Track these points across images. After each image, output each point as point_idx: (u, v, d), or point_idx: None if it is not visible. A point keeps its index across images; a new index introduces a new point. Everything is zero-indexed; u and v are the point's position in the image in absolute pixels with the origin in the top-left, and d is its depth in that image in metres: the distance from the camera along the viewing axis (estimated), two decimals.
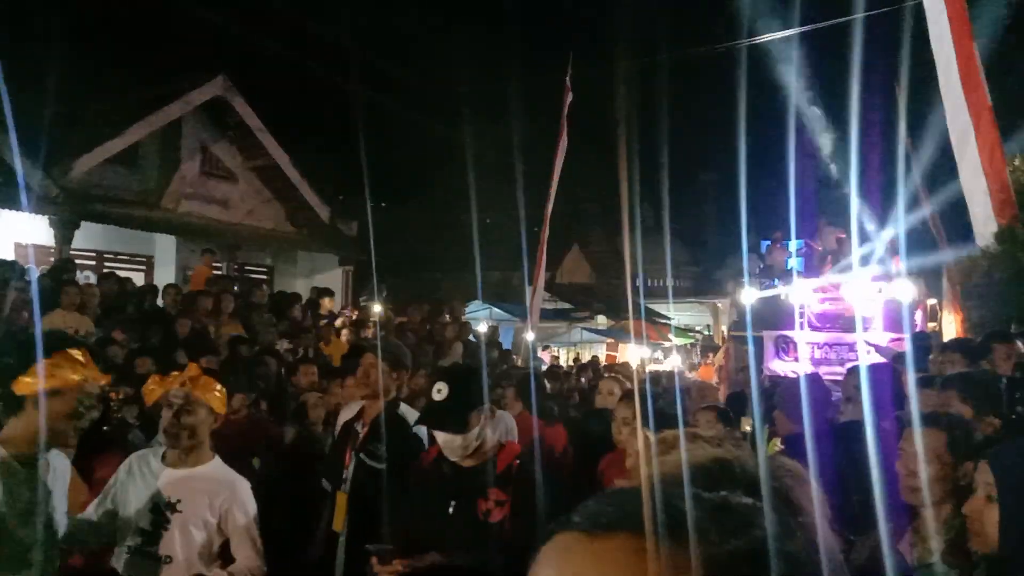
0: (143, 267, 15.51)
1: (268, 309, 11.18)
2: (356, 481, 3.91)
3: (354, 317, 11.94)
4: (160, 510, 3.13)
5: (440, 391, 3.02)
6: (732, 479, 0.82)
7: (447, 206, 23.30)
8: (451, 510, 2.97)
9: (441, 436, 3.02)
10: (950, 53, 8.25)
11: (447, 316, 12.43)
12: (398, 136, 22.12)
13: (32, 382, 2.49)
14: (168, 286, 10.90)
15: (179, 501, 3.14)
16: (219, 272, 14.37)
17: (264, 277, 17.29)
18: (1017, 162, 8.68)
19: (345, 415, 4.47)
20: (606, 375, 5.60)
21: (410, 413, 4.14)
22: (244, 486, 3.32)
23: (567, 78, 15.32)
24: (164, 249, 15.50)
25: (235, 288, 11.84)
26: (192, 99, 15.28)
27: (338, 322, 12.12)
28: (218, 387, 3.31)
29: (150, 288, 11.29)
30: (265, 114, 16.55)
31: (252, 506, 3.30)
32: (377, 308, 12.27)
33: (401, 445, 3.80)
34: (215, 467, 3.31)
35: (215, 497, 3.20)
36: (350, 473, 3.96)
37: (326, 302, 12.18)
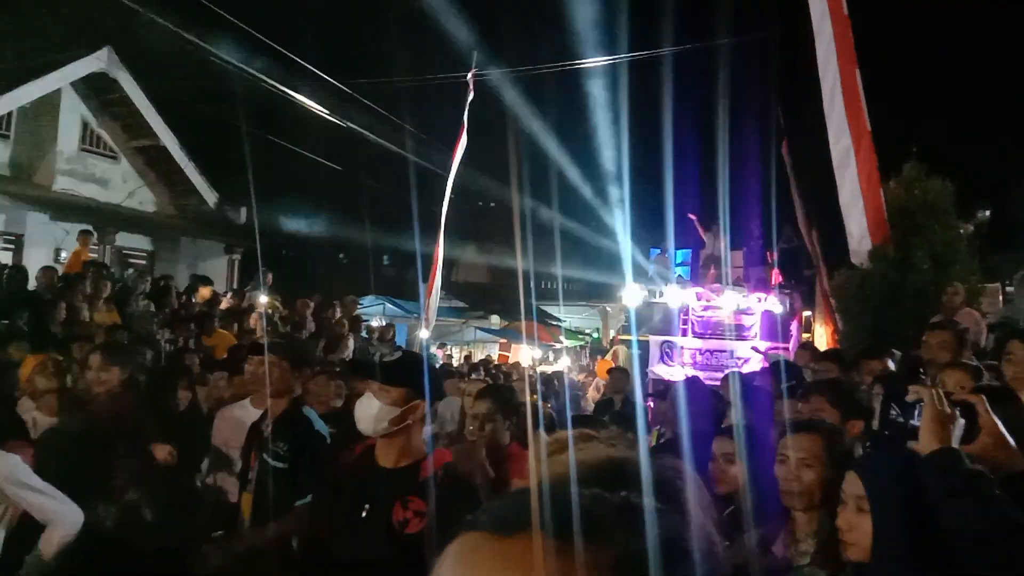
0: (12, 246, 14.53)
1: (147, 297, 10.68)
2: (260, 482, 3.82)
3: (225, 306, 11.51)
4: None
5: (392, 356, 3.05)
6: (628, 479, 0.83)
7: (342, 198, 22.85)
8: (364, 514, 2.83)
9: (360, 401, 2.93)
10: (835, 78, 8.69)
11: (338, 310, 12.17)
12: (292, 123, 21.55)
13: None
14: (44, 268, 10.25)
15: None
16: (95, 255, 13.62)
17: (144, 262, 16.49)
18: (891, 184, 9.21)
19: (242, 413, 4.40)
20: (472, 376, 5.44)
21: (314, 414, 4.12)
22: (7, 459, 3.26)
23: (468, 76, 15.32)
24: (36, 228, 14.55)
25: (111, 272, 11.26)
26: (73, 71, 14.45)
27: (223, 303, 11.69)
28: None
29: (18, 269, 10.56)
30: (154, 92, 15.81)
31: (21, 473, 3.26)
32: (263, 299, 11.88)
33: (304, 444, 3.78)
34: None
35: None
36: (255, 474, 3.87)
37: (204, 291, 11.71)
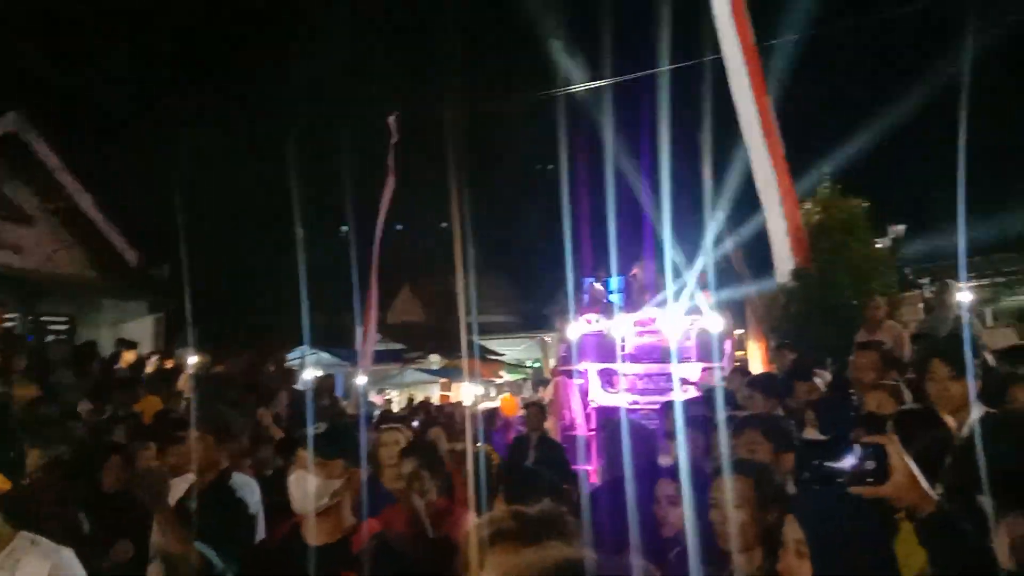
0: None
1: (68, 365, 10.27)
2: None
3: (151, 368, 11.18)
4: None
5: (319, 427, 2.92)
6: None
7: (269, 246, 22.52)
8: None
9: (294, 478, 2.82)
10: (751, 106, 8.99)
11: (271, 365, 11.89)
12: (214, 172, 21.23)
13: None
14: None
15: None
16: (12, 324, 13.06)
17: (65, 328, 15.88)
18: (808, 206, 9.50)
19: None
20: (385, 427, 5.17)
21: (242, 482, 4.02)
22: (59, 558, 2.92)
23: (391, 119, 15.37)
24: None
25: (28, 341, 10.81)
26: None
27: (149, 366, 11.33)
28: None
29: None
30: (66, 152, 15.36)
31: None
32: (192, 358, 11.55)
33: (231, 519, 3.69)
34: (16, 548, 2.90)
35: None
36: None
37: (128, 355, 11.32)
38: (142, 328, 16.27)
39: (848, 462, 1.94)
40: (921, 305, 11.22)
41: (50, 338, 14.37)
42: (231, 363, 11.65)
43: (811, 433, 3.97)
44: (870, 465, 1.92)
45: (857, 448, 1.95)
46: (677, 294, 15.19)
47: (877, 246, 9.68)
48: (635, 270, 15.83)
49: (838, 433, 2.42)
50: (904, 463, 1.91)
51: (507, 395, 15.00)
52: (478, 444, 6.20)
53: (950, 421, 3.14)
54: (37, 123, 14.84)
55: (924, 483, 1.93)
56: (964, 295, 8.33)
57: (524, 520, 1.66)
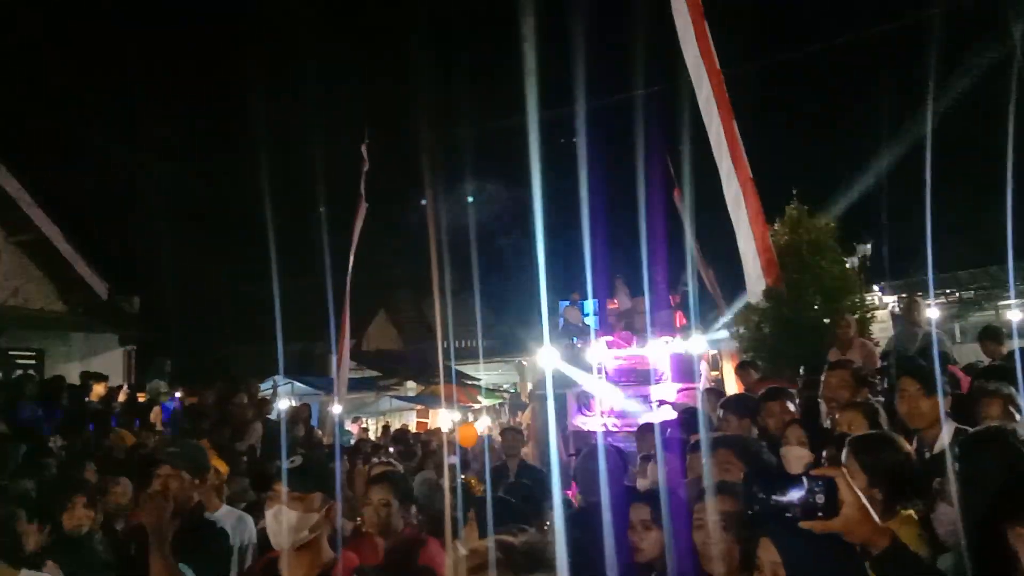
0: None
1: (37, 400, 10.09)
2: None
3: (122, 399, 11.03)
4: None
5: (294, 461, 2.87)
6: None
7: (241, 275, 22.32)
8: None
9: (272, 513, 2.76)
10: (719, 129, 9.12)
11: (244, 396, 11.72)
12: (184, 203, 21.05)
13: None
14: None
15: None
16: None
17: (32, 362, 15.60)
18: (777, 226, 9.62)
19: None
20: (381, 458, 5.15)
21: (235, 516, 4.08)
22: None
23: (363, 146, 15.36)
24: None
25: None
26: None
27: (120, 398, 11.17)
28: None
29: None
30: (34, 185, 15.17)
31: None
32: (167, 391, 11.41)
33: (209, 551, 3.64)
34: None
35: None
36: None
37: (98, 388, 11.15)
38: (112, 361, 16.01)
39: (796, 495, 1.90)
40: (891, 320, 11.36)
41: (17, 372, 14.12)
42: (203, 395, 11.50)
43: (795, 451, 3.98)
44: (819, 499, 1.86)
45: (805, 481, 1.91)
46: (653, 317, 15.30)
47: (846, 265, 9.81)
48: (613, 299, 15.94)
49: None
50: (855, 497, 1.86)
51: (465, 423, 14.74)
52: (458, 474, 6.15)
53: (905, 445, 3.15)
54: (3, 155, 14.65)
55: (876, 517, 1.90)
56: (932, 311, 8.45)
57: (509, 551, 1.65)
